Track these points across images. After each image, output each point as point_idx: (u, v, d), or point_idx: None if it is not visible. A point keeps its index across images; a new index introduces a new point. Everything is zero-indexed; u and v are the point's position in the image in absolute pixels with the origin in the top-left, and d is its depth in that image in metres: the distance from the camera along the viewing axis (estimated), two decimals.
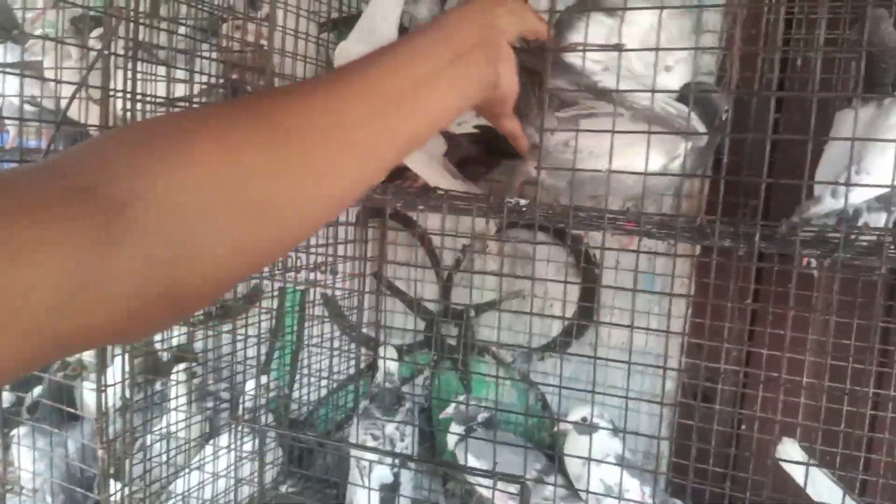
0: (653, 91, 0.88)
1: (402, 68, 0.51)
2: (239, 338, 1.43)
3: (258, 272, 1.47)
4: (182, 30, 1.21)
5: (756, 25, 1.30)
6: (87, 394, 1.62)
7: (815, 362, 1.26)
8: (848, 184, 0.88)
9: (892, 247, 0.98)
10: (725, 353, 1.35)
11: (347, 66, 0.51)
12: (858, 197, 0.99)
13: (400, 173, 1.40)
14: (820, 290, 1.32)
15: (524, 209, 0.95)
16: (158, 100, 1.09)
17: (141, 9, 1.04)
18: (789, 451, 1.13)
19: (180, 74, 1.22)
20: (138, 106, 1.06)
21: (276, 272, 1.65)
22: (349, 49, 1.23)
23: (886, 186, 0.85)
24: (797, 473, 1.07)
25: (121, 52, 1.05)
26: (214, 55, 1.29)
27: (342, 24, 1.60)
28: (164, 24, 1.14)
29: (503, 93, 0.65)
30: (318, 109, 0.44)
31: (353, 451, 1.39)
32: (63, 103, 1.33)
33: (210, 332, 1.68)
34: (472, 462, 1.31)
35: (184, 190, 0.37)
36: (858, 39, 1.11)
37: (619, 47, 0.85)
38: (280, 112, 0.43)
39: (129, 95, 1.02)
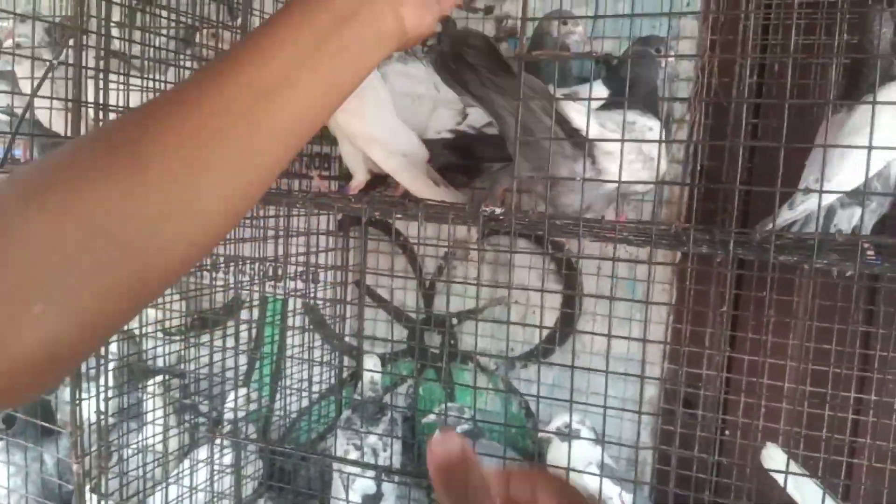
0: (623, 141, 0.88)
1: (268, 54, 0.44)
2: (217, 349, 1.41)
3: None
4: (157, 39, 1.20)
5: (733, 31, 1.31)
6: (65, 406, 1.60)
7: (797, 367, 1.26)
8: (816, 190, 0.87)
9: (870, 251, 0.98)
10: (707, 358, 1.35)
11: (210, 63, 0.46)
12: (814, 205, 1.00)
13: (381, 181, 1.40)
14: (800, 295, 1.33)
15: (501, 217, 0.95)
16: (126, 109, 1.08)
17: (115, 18, 1.03)
18: (773, 456, 1.13)
19: (155, 83, 1.21)
20: (111, 116, 1.04)
21: (256, 281, 1.63)
22: None
23: (841, 192, 0.85)
24: (782, 478, 1.07)
25: (92, 62, 1.04)
26: (189, 63, 1.28)
27: None
28: (137, 34, 1.13)
29: (414, 38, 0.55)
30: (175, 123, 0.40)
31: (336, 464, 1.38)
32: (38, 114, 1.32)
33: (188, 344, 1.66)
34: None
35: (39, 236, 0.34)
36: (835, 44, 1.11)
37: (589, 55, 0.84)
38: (135, 135, 0.39)
39: (99, 106, 1.00)
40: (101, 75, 0.99)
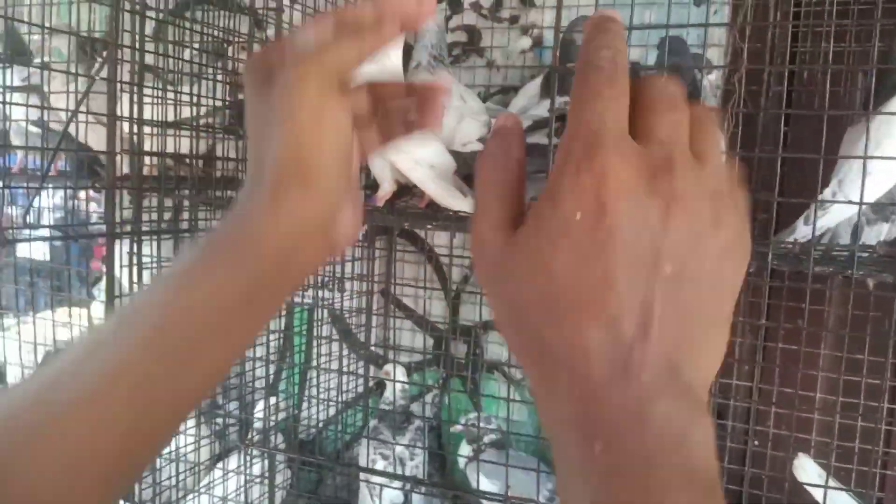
0: None
1: (175, 319, 0.35)
2: (247, 358, 1.42)
3: None
4: (187, 53, 1.21)
5: (762, 39, 1.30)
6: None
7: (829, 377, 1.25)
8: (834, 201, 0.87)
9: None
10: (737, 369, 1.34)
11: (126, 310, 0.40)
12: (833, 219, 1.00)
13: (406, 190, 1.41)
14: (831, 305, 1.31)
15: None
16: (161, 124, 1.09)
17: (148, 32, 1.04)
18: (805, 466, 1.12)
19: (186, 96, 1.22)
20: (146, 129, 1.06)
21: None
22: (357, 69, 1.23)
23: (855, 203, 0.85)
24: (815, 490, 1.06)
25: (126, 76, 1.06)
26: (220, 77, 1.29)
27: None
28: (169, 48, 1.15)
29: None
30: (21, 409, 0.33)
31: (363, 474, 1.38)
32: (70, 126, 1.33)
33: None
34: (483, 481, 1.30)
35: None
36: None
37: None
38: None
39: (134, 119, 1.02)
40: (136, 89, 1.00)
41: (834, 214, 0.98)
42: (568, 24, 1.40)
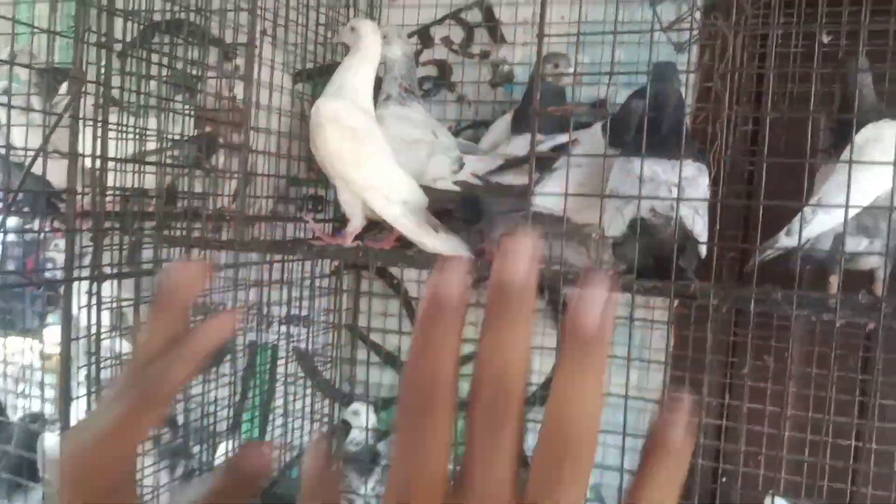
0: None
1: None
2: (209, 401, 1.37)
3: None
4: (153, 84, 1.18)
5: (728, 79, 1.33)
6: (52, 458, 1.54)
7: (797, 413, 1.27)
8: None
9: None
10: (706, 406, 1.34)
11: None
12: (815, 230, 1.02)
13: (374, 224, 1.38)
14: (796, 342, 1.33)
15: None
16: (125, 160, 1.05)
17: (115, 65, 1.01)
18: None
19: (150, 130, 1.18)
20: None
21: (248, 325, 1.60)
22: (327, 108, 1.21)
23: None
24: None
25: (89, 108, 1.02)
26: (187, 109, 1.26)
27: (316, 75, 1.58)
28: (134, 81, 1.11)
29: None
30: None
31: None
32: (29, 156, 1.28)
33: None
34: None
35: None
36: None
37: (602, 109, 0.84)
38: None
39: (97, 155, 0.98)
40: (101, 125, 0.96)
41: (816, 226, 1.00)
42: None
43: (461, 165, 1.34)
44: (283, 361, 1.65)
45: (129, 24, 1.10)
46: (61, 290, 1.10)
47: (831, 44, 1.26)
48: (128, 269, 1.13)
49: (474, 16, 1.57)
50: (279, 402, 1.61)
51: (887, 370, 1.25)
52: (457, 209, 1.15)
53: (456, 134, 1.54)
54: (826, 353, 1.27)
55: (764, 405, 1.27)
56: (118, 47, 1.07)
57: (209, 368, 1.55)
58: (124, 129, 1.07)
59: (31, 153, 0.98)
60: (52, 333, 1.74)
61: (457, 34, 1.58)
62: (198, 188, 1.26)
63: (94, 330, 1.04)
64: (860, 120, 1.05)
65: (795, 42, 1.32)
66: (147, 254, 1.22)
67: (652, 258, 1.08)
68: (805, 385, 1.30)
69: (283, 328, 1.57)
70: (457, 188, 1.22)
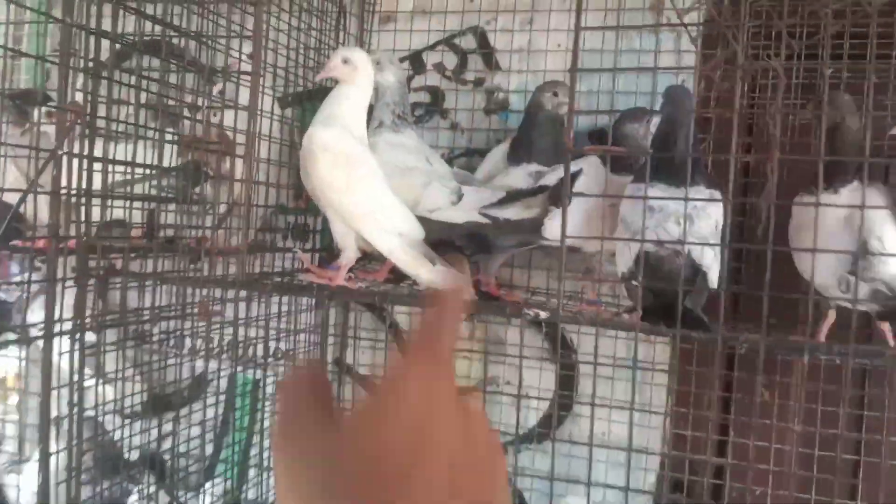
0: None
1: None
2: (187, 437, 1.30)
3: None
4: (142, 112, 1.11)
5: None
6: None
7: (801, 451, 1.25)
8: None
9: None
10: (706, 443, 1.31)
11: None
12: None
13: (365, 255, 1.32)
14: (801, 379, 1.31)
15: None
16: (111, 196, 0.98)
17: (102, 93, 0.94)
18: None
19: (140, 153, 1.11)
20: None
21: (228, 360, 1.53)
22: (320, 136, 1.16)
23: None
24: None
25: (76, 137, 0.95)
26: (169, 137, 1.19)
27: (305, 99, 1.53)
28: (121, 110, 1.04)
29: None
30: None
31: None
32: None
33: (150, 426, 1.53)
34: None
35: None
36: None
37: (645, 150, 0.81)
38: None
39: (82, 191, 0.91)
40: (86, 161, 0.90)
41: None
42: (535, 88, 1.37)
43: (460, 196, 1.29)
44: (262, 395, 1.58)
45: (113, 46, 1.04)
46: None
47: (833, 76, 1.25)
48: (112, 317, 1.06)
49: (468, 42, 1.53)
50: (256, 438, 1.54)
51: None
52: (464, 244, 1.10)
53: (449, 162, 1.50)
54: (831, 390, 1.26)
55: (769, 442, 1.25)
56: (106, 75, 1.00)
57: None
58: (110, 161, 0.99)
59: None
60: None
61: (450, 60, 1.55)
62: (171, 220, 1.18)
63: (76, 378, 0.96)
64: (844, 155, 1.04)
65: (796, 76, 1.31)
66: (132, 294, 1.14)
67: (656, 297, 1.04)
68: (810, 422, 1.27)
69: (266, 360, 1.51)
70: (459, 221, 1.17)
